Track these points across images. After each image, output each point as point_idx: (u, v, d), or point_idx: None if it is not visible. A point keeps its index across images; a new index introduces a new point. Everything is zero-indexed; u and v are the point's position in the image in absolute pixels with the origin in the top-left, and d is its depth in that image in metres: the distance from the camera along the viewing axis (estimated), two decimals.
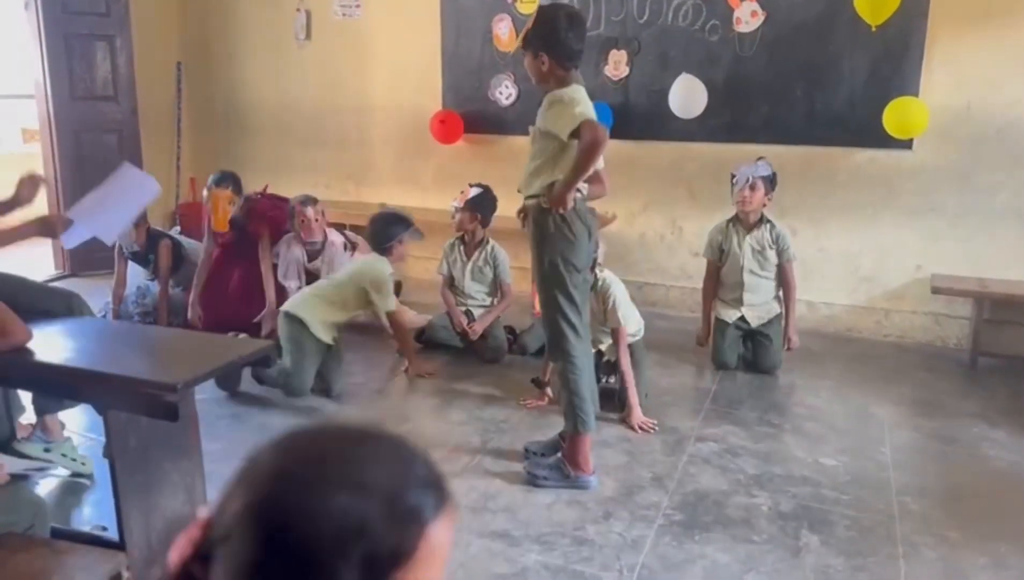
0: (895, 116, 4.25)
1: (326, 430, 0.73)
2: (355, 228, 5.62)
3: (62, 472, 2.92)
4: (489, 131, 5.46)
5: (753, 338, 4.14)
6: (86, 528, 2.51)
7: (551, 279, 2.78)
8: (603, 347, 3.67)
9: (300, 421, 3.41)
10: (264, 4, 6.14)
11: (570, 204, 2.70)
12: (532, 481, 2.91)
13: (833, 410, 3.67)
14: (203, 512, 0.71)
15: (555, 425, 3.22)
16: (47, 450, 2.87)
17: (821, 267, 4.76)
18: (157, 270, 4.58)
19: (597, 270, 3.48)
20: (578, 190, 2.74)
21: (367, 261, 3.98)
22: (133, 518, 2.04)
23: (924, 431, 3.46)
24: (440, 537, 0.69)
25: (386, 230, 3.97)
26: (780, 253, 4.06)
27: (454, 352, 4.30)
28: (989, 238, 4.38)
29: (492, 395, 3.76)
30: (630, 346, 3.66)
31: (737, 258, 4.08)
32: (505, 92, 5.34)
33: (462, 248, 4.34)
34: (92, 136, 5.81)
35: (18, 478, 2.78)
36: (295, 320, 3.65)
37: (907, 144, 4.41)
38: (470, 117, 5.45)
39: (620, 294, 3.54)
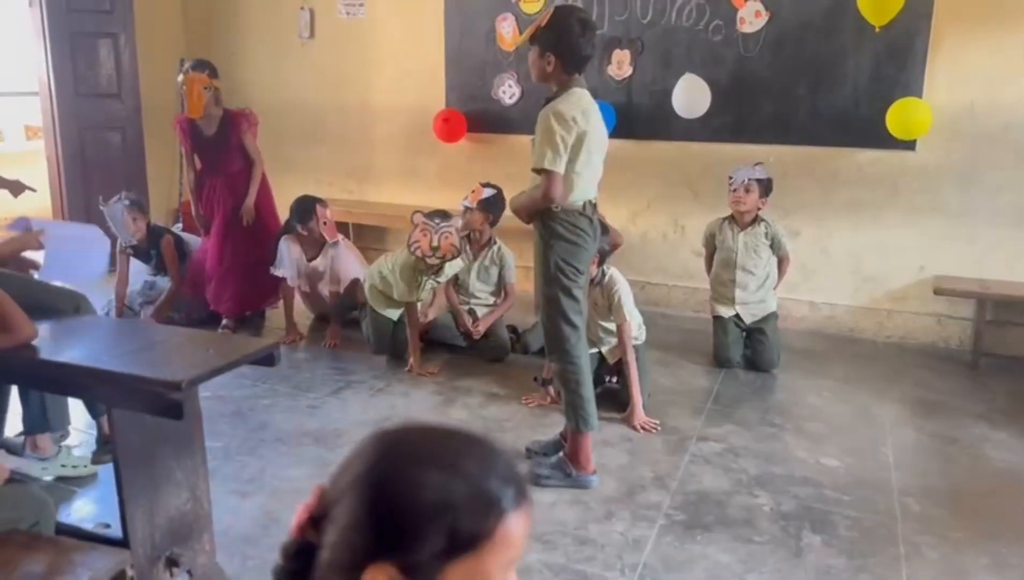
0: (897, 118, 4.24)
1: (426, 425, 0.84)
2: (357, 226, 5.63)
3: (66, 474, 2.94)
4: (492, 130, 5.46)
5: (750, 335, 4.20)
6: (88, 526, 2.52)
7: (555, 279, 2.79)
8: (604, 350, 3.68)
9: (301, 420, 3.44)
10: (267, 3, 6.14)
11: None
12: (534, 480, 2.91)
13: (835, 410, 3.68)
14: (319, 486, 0.81)
15: (557, 424, 3.23)
16: (44, 469, 2.91)
17: (823, 267, 4.76)
18: (160, 266, 4.59)
19: (604, 266, 3.50)
20: (586, 206, 2.78)
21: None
22: (137, 516, 2.05)
23: (926, 432, 3.46)
24: (516, 528, 0.77)
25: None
26: (774, 247, 4.16)
27: (457, 351, 4.30)
28: (992, 239, 4.38)
29: (494, 394, 3.77)
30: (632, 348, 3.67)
31: (730, 252, 4.16)
32: (508, 91, 5.34)
33: (468, 247, 4.34)
34: (95, 133, 5.82)
35: (23, 475, 2.79)
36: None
37: (910, 144, 4.41)
38: (473, 116, 5.45)
39: (625, 291, 3.55)
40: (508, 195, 4.22)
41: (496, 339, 4.22)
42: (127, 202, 4.42)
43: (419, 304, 4.15)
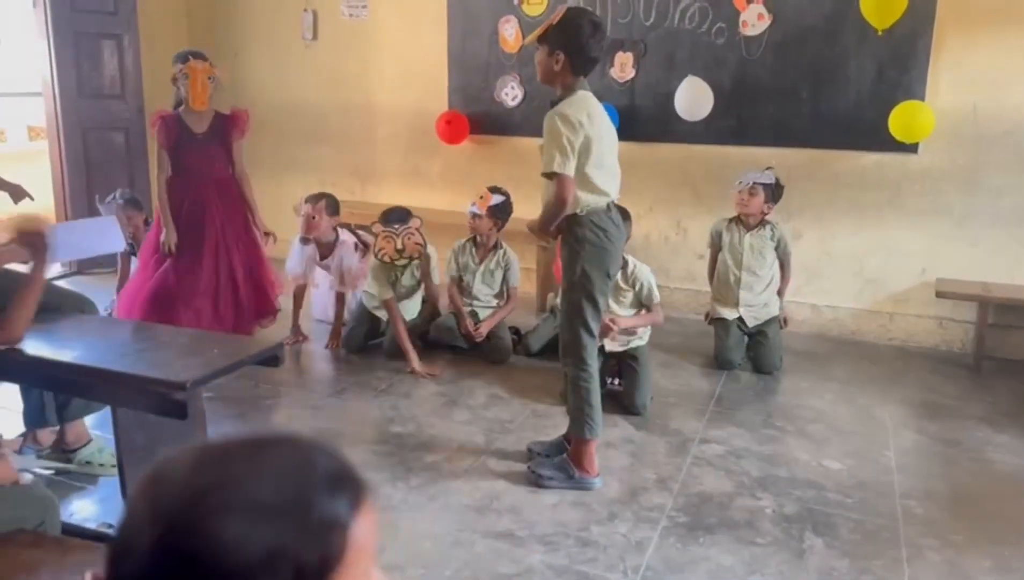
0: (900, 121, 4.24)
1: (207, 448, 0.66)
2: (360, 227, 5.64)
3: (71, 469, 2.94)
4: (495, 132, 5.46)
5: (752, 338, 4.20)
6: (92, 526, 2.52)
7: (580, 286, 2.78)
8: (606, 346, 3.68)
9: (303, 420, 3.45)
10: (271, 4, 6.16)
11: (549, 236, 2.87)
12: (537, 481, 2.92)
13: (837, 413, 3.68)
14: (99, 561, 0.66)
15: (559, 425, 3.23)
16: (68, 460, 2.91)
17: (826, 270, 4.76)
18: None
19: (628, 256, 3.53)
20: (611, 207, 2.80)
21: None
22: None
23: (928, 434, 3.46)
24: (364, 534, 0.66)
25: None
26: (778, 249, 4.17)
27: (459, 352, 4.31)
28: (995, 242, 4.38)
29: (497, 395, 3.77)
30: (634, 350, 3.68)
31: (736, 253, 4.17)
32: (511, 93, 5.35)
33: (474, 250, 4.34)
34: (99, 134, 5.83)
35: (34, 473, 2.80)
36: None
37: (913, 147, 4.41)
38: (476, 118, 5.46)
39: (652, 277, 3.70)
40: (514, 199, 4.29)
41: (498, 341, 4.22)
42: (122, 201, 4.42)
43: (418, 296, 4.35)
